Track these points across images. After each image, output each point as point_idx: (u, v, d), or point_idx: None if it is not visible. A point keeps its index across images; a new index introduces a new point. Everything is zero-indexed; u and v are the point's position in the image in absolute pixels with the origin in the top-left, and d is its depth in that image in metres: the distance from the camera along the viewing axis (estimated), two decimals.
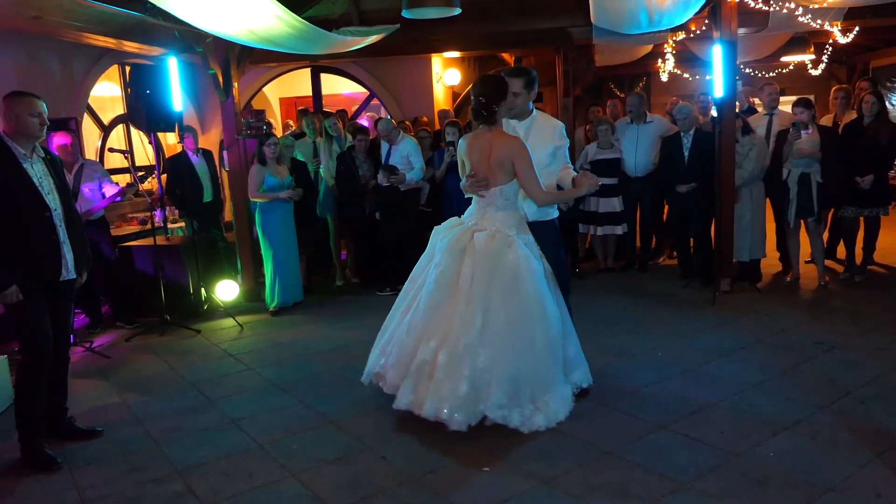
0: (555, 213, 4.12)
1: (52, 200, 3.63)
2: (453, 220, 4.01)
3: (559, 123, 4.10)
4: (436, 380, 3.59)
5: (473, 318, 3.59)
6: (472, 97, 3.75)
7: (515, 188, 3.76)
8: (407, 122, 8.31)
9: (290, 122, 9.66)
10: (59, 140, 5.77)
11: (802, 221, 6.20)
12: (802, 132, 5.82)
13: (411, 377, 3.70)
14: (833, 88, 7.03)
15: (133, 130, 8.46)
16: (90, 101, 7.74)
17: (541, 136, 3.97)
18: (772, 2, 6.07)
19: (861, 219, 6.31)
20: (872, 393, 3.95)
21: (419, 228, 7.29)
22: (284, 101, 11.82)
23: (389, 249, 6.88)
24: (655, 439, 3.51)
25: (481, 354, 3.54)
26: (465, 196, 4.01)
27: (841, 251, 6.85)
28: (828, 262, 6.73)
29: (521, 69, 4.08)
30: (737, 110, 6.27)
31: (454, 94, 10.71)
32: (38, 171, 3.60)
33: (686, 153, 6.38)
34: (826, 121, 6.82)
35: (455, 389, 3.53)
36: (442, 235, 3.91)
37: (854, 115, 6.47)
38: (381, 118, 7.34)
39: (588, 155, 6.90)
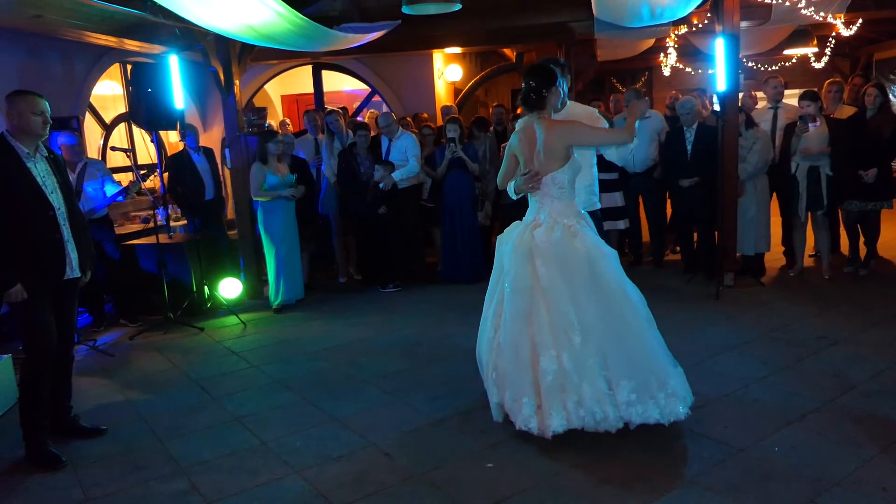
0: (598, 204, 4.14)
1: (56, 199, 3.63)
2: (515, 223, 3.79)
3: (592, 109, 4.11)
4: (572, 386, 3.34)
5: (570, 315, 3.38)
6: (522, 85, 3.65)
7: (569, 175, 3.57)
8: (408, 119, 8.30)
9: (288, 121, 9.65)
10: (64, 139, 5.78)
11: (810, 214, 6.17)
12: (810, 125, 5.80)
13: (548, 398, 3.36)
14: (826, 82, 6.99)
15: (135, 129, 8.47)
16: (92, 99, 7.75)
17: (581, 116, 3.95)
18: None
19: (864, 212, 6.28)
20: (877, 387, 3.94)
21: (421, 224, 7.32)
22: (286, 99, 11.82)
23: (391, 246, 6.89)
24: (659, 434, 3.50)
25: (591, 352, 3.35)
26: (516, 197, 3.81)
27: (845, 245, 6.83)
28: (831, 257, 6.70)
29: (549, 60, 4.05)
30: (739, 104, 6.24)
31: (456, 90, 10.69)
32: (41, 170, 3.61)
33: (689, 147, 6.36)
34: None
35: (596, 388, 3.32)
36: (505, 241, 3.71)
37: (846, 110, 6.44)
38: (382, 113, 7.34)
39: None
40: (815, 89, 6.39)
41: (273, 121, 9.06)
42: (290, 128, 9.08)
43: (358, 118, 9.78)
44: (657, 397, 3.37)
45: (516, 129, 3.95)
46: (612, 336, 3.38)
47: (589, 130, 3.59)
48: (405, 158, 6.77)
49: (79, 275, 3.78)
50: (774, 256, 6.76)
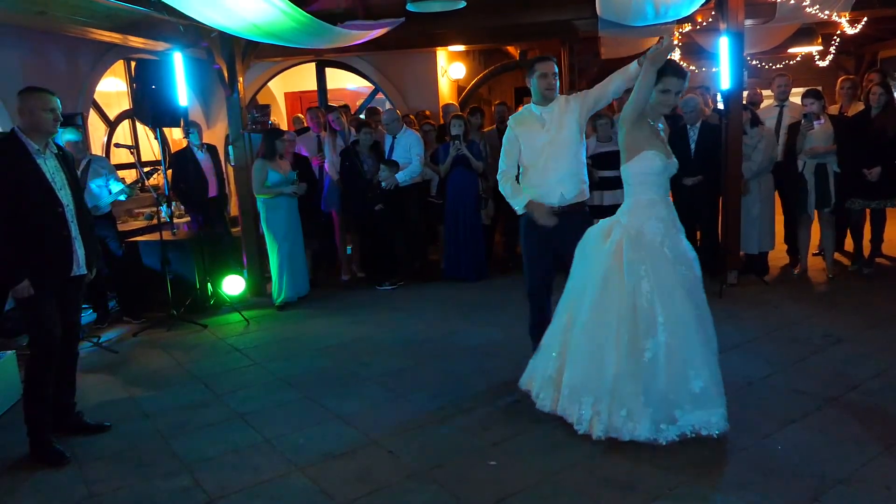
0: (587, 194, 4.20)
1: (65, 196, 3.64)
2: None
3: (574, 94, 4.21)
4: (537, 355, 3.83)
5: (567, 303, 3.66)
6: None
7: (632, 172, 3.52)
8: (412, 116, 8.30)
9: (302, 116, 9.63)
10: (68, 136, 5.78)
11: (816, 212, 6.16)
12: (815, 123, 5.79)
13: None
14: (840, 79, 6.98)
15: (139, 125, 8.48)
16: (96, 96, 7.76)
17: (566, 109, 4.08)
18: None
19: (868, 211, 6.27)
20: (881, 385, 3.93)
21: (426, 221, 7.31)
22: (289, 96, 11.81)
23: (393, 244, 6.89)
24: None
25: (561, 340, 3.61)
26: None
27: (849, 244, 6.81)
28: (835, 255, 6.69)
29: (545, 56, 4.19)
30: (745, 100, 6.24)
31: (459, 88, 10.68)
32: (50, 167, 3.61)
33: (693, 146, 6.34)
34: (832, 112, 6.77)
35: (544, 368, 3.68)
36: None
37: (860, 106, 6.42)
38: (386, 109, 7.32)
39: (589, 149, 6.87)
40: (819, 87, 6.37)
41: (276, 118, 9.04)
42: (304, 123, 8.98)
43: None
44: (583, 407, 3.42)
45: (512, 123, 4.18)
46: (586, 339, 3.45)
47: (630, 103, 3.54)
48: (409, 156, 6.76)
49: (85, 272, 3.78)
50: (778, 255, 6.75)
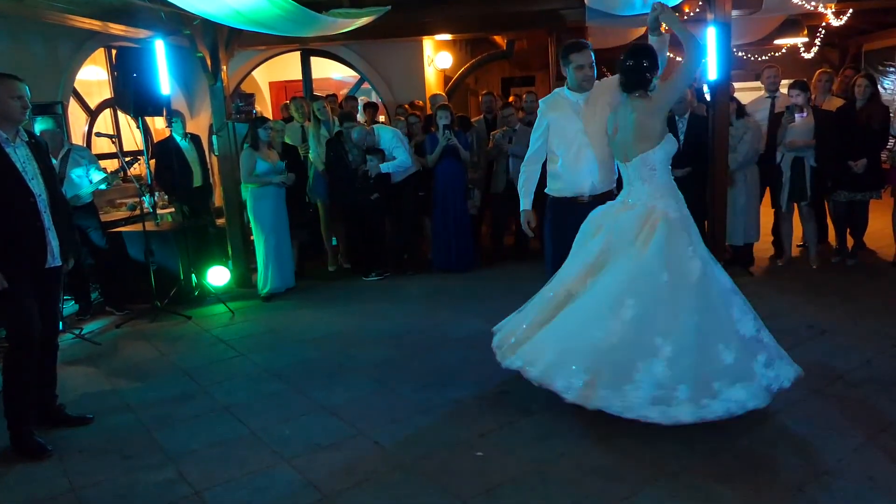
0: (598, 189, 4.06)
1: (37, 185, 3.57)
2: (611, 203, 3.79)
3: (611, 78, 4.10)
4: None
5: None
6: (625, 64, 3.63)
7: (662, 155, 3.55)
8: (406, 106, 8.25)
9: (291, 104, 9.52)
10: (45, 125, 5.68)
11: (795, 205, 6.20)
12: (797, 115, 5.81)
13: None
14: (817, 72, 7.00)
15: (120, 115, 8.35)
16: (76, 84, 7.63)
17: (605, 94, 3.99)
18: None
19: (852, 203, 6.31)
20: (865, 376, 3.96)
21: (415, 213, 7.28)
22: (274, 85, 11.70)
23: (382, 234, 6.85)
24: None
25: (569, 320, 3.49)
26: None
27: (832, 235, 6.86)
28: (819, 247, 6.74)
29: (580, 42, 4.19)
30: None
31: (446, 78, 10.62)
32: (21, 156, 3.54)
33: (681, 137, 6.33)
34: None
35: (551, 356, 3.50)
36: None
37: (835, 101, 6.45)
38: (355, 128, 6.94)
39: None
40: (805, 79, 6.40)
41: (261, 107, 8.93)
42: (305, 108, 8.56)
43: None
44: (584, 380, 3.34)
45: (543, 108, 4.10)
46: (593, 315, 3.41)
47: (671, 82, 3.62)
48: (391, 154, 6.70)
49: (60, 263, 3.71)
50: (763, 246, 6.78)
